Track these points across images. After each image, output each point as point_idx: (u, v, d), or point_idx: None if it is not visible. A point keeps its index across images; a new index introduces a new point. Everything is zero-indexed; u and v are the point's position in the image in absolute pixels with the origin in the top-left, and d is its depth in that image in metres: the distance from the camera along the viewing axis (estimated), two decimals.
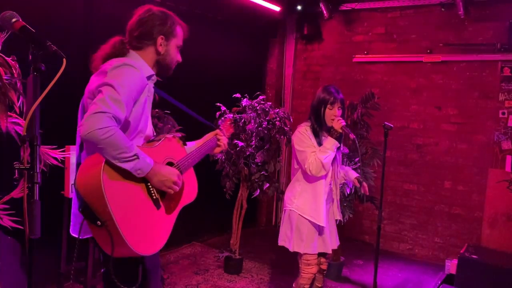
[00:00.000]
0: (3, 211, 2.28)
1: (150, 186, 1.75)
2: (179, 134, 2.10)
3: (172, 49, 1.93)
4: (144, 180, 1.72)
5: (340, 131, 2.75)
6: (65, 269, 3.33)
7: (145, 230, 1.71)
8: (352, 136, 2.80)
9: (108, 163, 1.59)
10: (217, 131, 2.26)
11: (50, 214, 2.79)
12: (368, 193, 3.00)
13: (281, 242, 2.95)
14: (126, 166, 1.60)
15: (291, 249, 2.87)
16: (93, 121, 1.52)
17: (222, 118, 2.32)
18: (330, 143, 2.75)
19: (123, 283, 1.72)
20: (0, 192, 2.32)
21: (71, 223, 1.89)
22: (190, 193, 2.00)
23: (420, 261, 4.93)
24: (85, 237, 1.77)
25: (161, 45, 1.88)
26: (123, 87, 1.65)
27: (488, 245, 4.53)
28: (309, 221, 2.81)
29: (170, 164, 1.91)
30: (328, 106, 2.78)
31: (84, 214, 1.61)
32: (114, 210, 1.56)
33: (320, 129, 2.82)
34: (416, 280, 4.35)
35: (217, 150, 2.25)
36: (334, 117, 2.78)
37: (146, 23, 1.87)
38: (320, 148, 2.75)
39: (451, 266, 4.00)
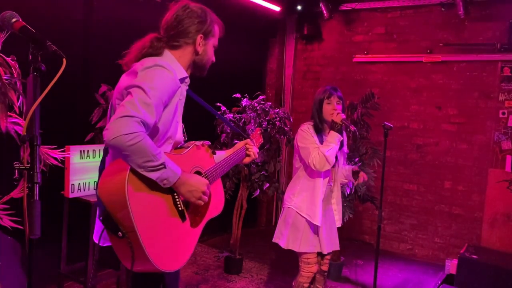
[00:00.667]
0: (3, 211, 2.28)
1: (177, 197, 1.64)
2: (208, 142, 1.95)
3: (209, 49, 1.83)
4: (171, 190, 1.61)
5: (341, 123, 2.77)
6: (65, 269, 3.33)
7: (169, 244, 1.59)
8: (352, 128, 2.80)
9: (133, 170, 1.49)
10: (248, 140, 2.15)
11: (50, 214, 2.80)
12: (367, 179, 2.99)
13: (275, 239, 2.98)
14: (152, 175, 1.49)
15: (283, 246, 2.89)
16: (120, 125, 1.42)
17: (253, 127, 2.31)
18: (332, 136, 2.76)
19: None
20: (0, 192, 2.32)
21: (95, 228, 1.80)
22: (216, 205, 1.89)
23: (420, 261, 4.93)
24: (106, 245, 1.67)
25: (200, 44, 1.77)
26: (154, 90, 1.53)
27: (488, 245, 4.53)
28: (306, 219, 2.83)
29: (198, 173, 1.80)
30: (326, 101, 2.80)
31: (105, 223, 1.51)
32: (137, 221, 1.46)
33: (322, 127, 2.84)
34: (416, 280, 4.36)
35: (247, 160, 2.15)
36: (333, 111, 2.79)
37: (184, 21, 1.75)
38: (324, 143, 2.77)
39: (451, 266, 4.00)
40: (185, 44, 1.76)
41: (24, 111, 2.17)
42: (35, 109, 1.23)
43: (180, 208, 1.64)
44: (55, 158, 2.44)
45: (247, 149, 2.12)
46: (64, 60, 1.29)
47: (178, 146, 1.84)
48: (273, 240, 2.98)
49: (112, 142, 1.42)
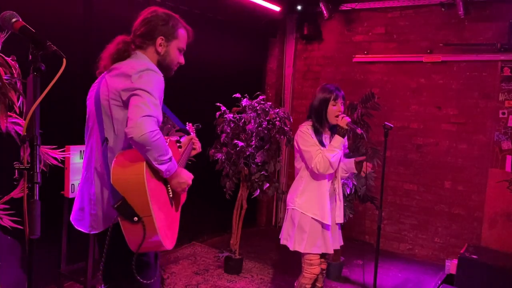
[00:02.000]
0: (3, 211, 2.28)
1: (168, 186, 1.86)
2: (177, 138, 2.24)
3: (172, 50, 1.96)
4: (165, 180, 1.82)
5: (347, 127, 2.74)
6: (65, 269, 3.33)
7: (168, 225, 1.81)
8: (359, 131, 2.76)
9: (147, 163, 1.67)
10: (192, 135, 2.35)
11: (50, 214, 2.80)
12: (371, 169, 2.97)
13: (283, 241, 2.95)
14: (162, 167, 1.69)
15: (291, 248, 2.87)
16: (144, 124, 1.60)
17: (187, 123, 2.43)
18: (337, 141, 2.74)
19: (143, 278, 1.77)
20: (0, 192, 2.32)
21: (73, 217, 1.93)
22: (185, 194, 2.12)
23: (420, 261, 4.93)
24: (93, 232, 1.87)
25: (160, 45, 1.93)
26: (156, 92, 1.72)
27: (488, 245, 4.53)
28: (313, 219, 2.80)
29: None
30: (331, 102, 2.77)
31: (120, 210, 1.63)
32: (153, 206, 1.64)
33: (321, 128, 2.82)
34: (416, 280, 4.36)
35: (193, 152, 2.33)
36: (338, 113, 2.77)
37: (148, 23, 1.93)
38: (328, 147, 2.75)
39: (451, 266, 4.00)
40: (148, 45, 1.93)
41: (24, 111, 2.17)
42: (35, 109, 1.23)
43: (170, 195, 1.89)
44: (55, 158, 2.45)
45: (193, 143, 2.32)
46: (64, 60, 1.29)
47: None
48: (281, 243, 2.95)
49: (140, 139, 1.60)
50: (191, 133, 2.40)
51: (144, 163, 1.67)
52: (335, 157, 2.69)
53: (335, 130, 2.83)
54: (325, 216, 2.79)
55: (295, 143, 2.89)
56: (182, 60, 2.03)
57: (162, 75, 1.87)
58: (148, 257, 1.88)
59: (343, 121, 2.74)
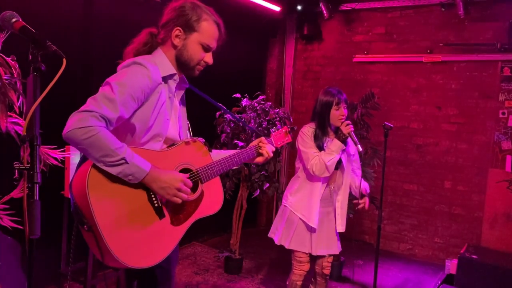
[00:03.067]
0: (3, 211, 2.28)
1: (152, 194, 1.61)
2: (202, 139, 1.85)
3: (191, 44, 1.71)
4: (145, 186, 1.60)
5: (347, 135, 2.74)
6: (65, 269, 3.33)
7: (138, 240, 1.56)
8: (360, 148, 2.70)
9: (96, 166, 1.49)
10: (262, 138, 2.02)
11: (50, 214, 2.80)
12: (366, 207, 2.94)
13: (270, 234, 3.04)
14: (112, 170, 1.49)
15: (276, 242, 2.95)
16: (75, 119, 1.45)
17: (278, 126, 2.16)
18: (335, 145, 2.74)
19: None
20: (0, 192, 2.32)
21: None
22: (211, 204, 1.80)
23: (420, 261, 4.92)
24: None
25: (177, 36, 1.70)
26: (122, 86, 1.54)
27: (488, 245, 4.53)
28: (300, 218, 2.85)
29: (186, 170, 1.74)
30: (334, 107, 2.77)
31: (74, 215, 1.55)
32: (98, 216, 1.47)
33: (323, 133, 2.81)
34: (416, 280, 4.35)
35: (259, 159, 2.00)
36: (342, 117, 2.76)
37: (172, 13, 1.72)
38: (326, 150, 2.75)
39: (451, 266, 4.00)
40: (167, 37, 1.73)
41: (24, 111, 2.16)
42: (35, 109, 1.23)
43: (156, 205, 1.62)
44: (55, 158, 2.44)
45: (259, 147, 1.98)
46: (64, 60, 1.29)
47: (172, 144, 1.79)
48: (268, 235, 3.05)
49: (67, 135, 1.46)
50: (265, 137, 2.06)
51: (90, 167, 1.49)
52: (331, 161, 2.69)
53: (333, 132, 2.85)
54: (311, 219, 2.81)
55: (296, 143, 2.91)
56: (209, 59, 1.77)
57: (169, 73, 1.70)
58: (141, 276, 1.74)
59: (347, 128, 2.73)
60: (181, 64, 1.74)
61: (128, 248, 1.53)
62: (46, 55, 1.28)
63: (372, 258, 3.70)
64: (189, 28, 1.69)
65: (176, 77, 1.76)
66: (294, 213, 2.88)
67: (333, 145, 2.74)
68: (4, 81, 2.10)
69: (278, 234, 2.95)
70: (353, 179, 2.96)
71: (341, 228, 2.95)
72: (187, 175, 1.70)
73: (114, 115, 1.52)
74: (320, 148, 2.78)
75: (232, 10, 4.93)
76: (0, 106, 2.09)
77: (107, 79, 1.59)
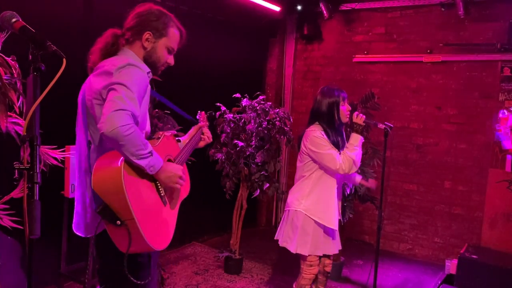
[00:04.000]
0: (3, 211, 2.28)
1: (158, 184, 1.79)
2: (174, 132, 2.13)
3: (159, 48, 1.89)
4: (153, 178, 1.76)
5: (363, 124, 2.81)
6: (65, 269, 3.33)
7: (158, 225, 1.77)
8: (380, 125, 2.85)
9: (125, 161, 1.62)
10: (201, 124, 2.28)
11: (50, 214, 2.80)
12: (374, 187, 3.02)
13: (282, 243, 2.91)
14: (142, 162, 1.62)
15: (293, 251, 2.83)
16: (116, 118, 1.54)
17: (198, 112, 2.35)
18: (356, 139, 2.78)
19: (137, 278, 1.75)
20: (0, 192, 2.32)
21: (74, 221, 1.91)
22: (185, 188, 2.04)
23: (420, 261, 4.93)
24: (89, 236, 1.85)
25: (147, 40, 1.86)
26: (135, 86, 1.67)
27: (488, 245, 4.53)
28: (316, 222, 2.79)
29: (169, 161, 1.94)
30: (341, 103, 2.82)
31: (103, 214, 1.61)
32: (135, 209, 1.60)
33: (332, 131, 2.82)
34: (416, 280, 4.36)
35: (202, 143, 2.27)
36: (348, 112, 2.83)
37: (139, 17, 1.88)
38: (348, 146, 2.78)
39: (451, 266, 4.00)
40: (136, 39, 1.87)
41: (24, 111, 2.16)
42: (35, 109, 1.23)
43: (162, 194, 1.82)
44: (55, 158, 2.44)
45: (202, 133, 2.25)
46: (64, 60, 1.29)
47: (149, 137, 1.96)
48: (280, 244, 2.92)
49: (111, 134, 1.54)
50: (202, 122, 2.30)
51: (122, 165, 1.61)
52: (357, 156, 2.74)
53: (340, 129, 2.86)
54: (331, 221, 2.78)
55: (305, 148, 2.84)
56: (171, 61, 1.97)
57: (147, 70, 1.84)
58: (142, 257, 1.84)
59: (359, 118, 2.81)
60: (149, 64, 1.90)
61: (154, 233, 1.72)
62: (46, 55, 1.28)
63: (372, 258, 3.70)
64: (159, 33, 1.88)
65: (150, 74, 1.90)
66: (309, 217, 2.78)
67: (353, 139, 2.78)
68: (4, 81, 2.10)
69: (294, 242, 2.82)
70: None
71: (341, 217, 2.97)
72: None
73: (138, 112, 1.66)
74: (336, 146, 2.78)
75: (232, 10, 4.94)
76: (0, 106, 2.10)
77: (117, 80, 1.66)
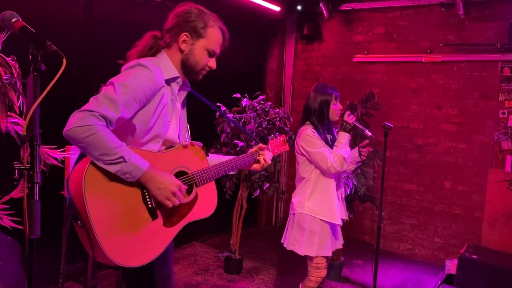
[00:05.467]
0: (3, 211, 2.28)
1: (147, 194, 1.64)
2: (200, 144, 1.90)
3: (197, 49, 1.77)
4: (141, 186, 1.62)
5: (353, 125, 2.81)
6: (65, 269, 3.33)
7: (130, 239, 1.59)
8: (367, 133, 2.85)
9: (94, 164, 1.53)
10: (260, 145, 2.08)
11: (50, 214, 2.79)
12: (371, 150, 3.01)
13: (290, 247, 2.90)
14: (111, 168, 1.52)
15: (301, 253, 2.83)
16: (76, 118, 1.49)
17: (276, 134, 2.22)
18: (344, 137, 2.79)
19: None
20: (0, 192, 2.32)
21: None
22: (204, 208, 1.84)
23: (420, 261, 4.93)
24: None
25: (184, 42, 1.75)
26: (125, 87, 1.58)
27: (488, 245, 4.53)
28: (322, 221, 2.79)
29: (182, 173, 1.77)
30: (333, 102, 2.83)
31: (69, 210, 1.58)
32: (92, 213, 1.50)
33: (323, 129, 2.84)
34: (416, 280, 4.35)
35: (256, 166, 2.05)
36: (339, 111, 2.84)
37: (178, 18, 1.77)
38: (336, 145, 2.78)
39: (451, 266, 4.00)
40: (173, 42, 1.77)
41: (24, 111, 2.16)
42: (35, 109, 1.23)
43: (150, 205, 1.65)
44: (55, 158, 2.44)
45: (258, 154, 2.03)
46: (64, 60, 1.28)
47: (170, 145, 1.83)
48: (288, 248, 2.91)
49: (67, 133, 1.50)
50: (267, 145, 2.10)
51: (87, 165, 1.53)
52: (346, 153, 2.75)
53: (330, 127, 2.88)
54: (335, 217, 2.80)
55: (299, 148, 2.85)
56: (212, 64, 1.83)
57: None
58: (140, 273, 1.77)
59: (350, 118, 2.82)
60: (187, 68, 1.79)
61: (119, 246, 1.56)
62: (46, 55, 1.28)
63: (372, 258, 3.70)
64: (196, 34, 1.75)
65: (179, 80, 1.80)
66: (315, 217, 2.79)
67: (341, 137, 2.78)
68: (4, 81, 2.10)
69: (302, 245, 2.81)
70: None
71: (344, 214, 2.98)
72: (185, 186, 1.72)
73: (115, 115, 1.55)
74: (327, 143, 2.79)
75: (232, 10, 4.93)
76: (0, 106, 2.09)
77: (111, 79, 1.61)
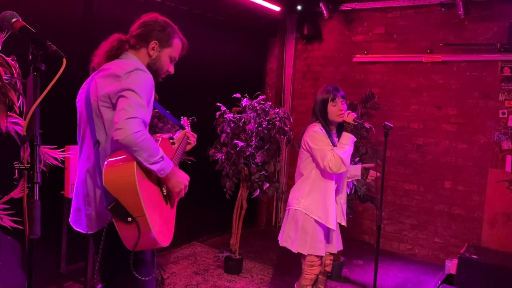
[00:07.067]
0: (3, 211, 2.28)
1: (163, 184, 1.88)
2: (170, 134, 2.24)
3: (163, 57, 2.00)
4: (157, 178, 1.83)
5: (354, 123, 2.76)
6: (65, 269, 3.33)
7: (163, 223, 1.83)
8: (367, 125, 2.81)
9: (137, 162, 1.69)
10: (187, 130, 2.37)
11: (50, 214, 2.80)
12: (377, 175, 3.01)
13: (283, 243, 2.91)
14: (154, 167, 1.71)
15: (294, 250, 2.83)
16: (129, 126, 1.63)
17: (182, 117, 2.45)
18: (346, 138, 2.74)
19: (140, 275, 1.81)
20: (0, 192, 2.32)
21: (72, 218, 1.97)
22: None
23: (420, 261, 4.93)
24: (89, 232, 1.91)
25: (153, 49, 1.97)
26: (143, 93, 1.74)
27: (488, 245, 4.53)
28: (316, 221, 2.78)
29: None
30: (331, 103, 2.78)
31: (114, 211, 1.66)
32: (146, 206, 1.66)
33: (329, 128, 2.82)
34: (416, 280, 4.36)
35: (189, 147, 2.36)
36: (340, 112, 2.78)
37: (146, 26, 1.98)
38: (337, 145, 2.75)
39: (451, 266, 4.00)
40: (142, 46, 1.97)
41: (24, 111, 2.17)
42: (35, 109, 1.23)
43: (164, 193, 1.91)
44: (55, 158, 2.44)
45: (188, 137, 2.34)
46: (64, 60, 1.29)
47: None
48: (281, 244, 2.92)
49: (125, 141, 1.63)
50: (186, 127, 2.40)
51: (135, 163, 1.68)
52: (345, 154, 2.68)
53: (340, 129, 2.84)
54: (329, 220, 2.76)
55: (304, 143, 2.84)
56: (171, 69, 2.07)
57: (151, 75, 1.88)
58: (144, 254, 1.90)
59: (350, 117, 2.76)
60: (152, 71, 1.96)
61: (160, 230, 1.77)
62: (46, 55, 1.28)
63: (372, 258, 3.71)
64: (164, 42, 1.99)
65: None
66: (309, 216, 2.78)
67: (343, 138, 2.75)
68: (4, 81, 2.10)
69: (295, 242, 2.82)
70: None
71: (343, 220, 2.94)
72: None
73: (148, 119, 1.77)
74: (333, 144, 2.77)
75: (232, 10, 4.94)
76: (0, 106, 2.10)
77: (126, 86, 1.74)
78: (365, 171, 2.97)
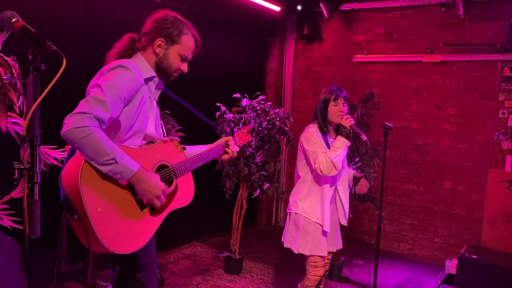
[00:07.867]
0: (3, 211, 2.28)
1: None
2: (177, 139, 2.12)
3: (171, 54, 1.90)
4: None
5: (349, 128, 2.72)
6: (65, 269, 3.33)
7: (123, 229, 1.72)
8: (364, 138, 2.73)
9: (88, 161, 1.63)
10: (229, 137, 2.23)
11: (50, 214, 2.79)
12: (365, 191, 2.97)
13: (287, 244, 2.92)
14: (103, 168, 1.62)
15: (296, 251, 2.84)
16: (72, 120, 1.57)
17: (240, 126, 2.33)
18: (340, 141, 2.71)
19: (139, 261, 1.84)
20: (0, 192, 2.32)
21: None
22: (184, 198, 1.99)
23: (420, 261, 4.92)
24: None
25: (159, 46, 1.88)
26: (111, 88, 1.68)
27: (488, 245, 4.52)
28: (316, 223, 2.79)
29: (163, 166, 1.90)
30: (332, 103, 2.76)
31: (64, 205, 1.68)
32: (89, 208, 1.60)
33: (327, 128, 2.81)
34: (416, 280, 4.35)
35: (225, 157, 2.21)
36: (340, 113, 2.76)
37: (154, 24, 1.90)
38: (331, 147, 2.73)
39: (451, 266, 4.00)
40: (149, 45, 1.90)
41: (24, 111, 2.17)
42: (35, 109, 1.23)
43: (138, 197, 1.78)
44: (55, 158, 2.45)
45: (227, 146, 2.19)
46: (64, 60, 1.29)
47: (150, 141, 1.96)
48: (285, 246, 2.93)
49: (65, 135, 1.57)
50: (231, 137, 2.24)
51: (83, 162, 1.62)
52: (337, 157, 2.65)
53: (338, 132, 2.84)
54: (325, 223, 2.77)
55: (300, 145, 2.84)
56: (184, 68, 1.97)
57: (147, 76, 1.84)
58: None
59: (347, 121, 2.72)
60: (160, 70, 1.92)
61: (114, 236, 1.68)
62: (46, 55, 1.28)
63: (372, 258, 3.71)
64: (171, 40, 1.89)
65: (156, 79, 1.94)
66: (308, 218, 2.79)
67: (337, 141, 2.72)
68: (4, 81, 2.10)
69: (296, 243, 2.84)
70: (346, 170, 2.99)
71: (343, 220, 2.94)
72: (169, 190, 1.86)
73: (106, 115, 1.65)
74: (327, 145, 2.76)
75: (232, 10, 4.93)
76: (0, 106, 2.10)
77: (95, 81, 1.71)
78: (356, 180, 2.96)
